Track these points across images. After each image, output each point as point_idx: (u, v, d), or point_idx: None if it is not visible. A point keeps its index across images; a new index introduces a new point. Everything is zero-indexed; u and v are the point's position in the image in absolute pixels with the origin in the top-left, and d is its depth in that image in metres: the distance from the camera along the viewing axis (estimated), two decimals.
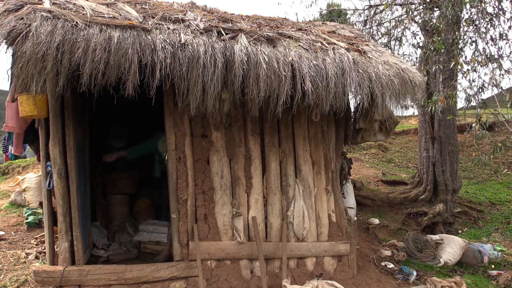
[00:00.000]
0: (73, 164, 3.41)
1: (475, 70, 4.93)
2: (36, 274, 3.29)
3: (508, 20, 5.44)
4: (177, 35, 3.14)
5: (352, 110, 4.47)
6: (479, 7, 4.93)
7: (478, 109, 4.80)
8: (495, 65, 4.96)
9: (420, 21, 6.59)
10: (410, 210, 6.51)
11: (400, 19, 6.85)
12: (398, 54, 6.81)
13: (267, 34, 3.57)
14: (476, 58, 4.94)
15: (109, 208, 4.93)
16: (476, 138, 4.94)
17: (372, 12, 7.51)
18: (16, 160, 8.29)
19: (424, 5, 6.22)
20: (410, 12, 5.85)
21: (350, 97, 3.81)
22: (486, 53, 5.10)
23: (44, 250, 4.01)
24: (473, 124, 4.75)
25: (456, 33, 5.27)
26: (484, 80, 5.02)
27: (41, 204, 5.21)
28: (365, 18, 7.52)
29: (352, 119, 4.56)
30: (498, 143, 4.53)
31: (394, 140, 11.41)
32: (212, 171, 3.74)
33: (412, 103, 4.49)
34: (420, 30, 6.83)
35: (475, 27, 5.44)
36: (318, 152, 4.14)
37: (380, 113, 3.73)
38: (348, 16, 9.46)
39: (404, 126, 12.83)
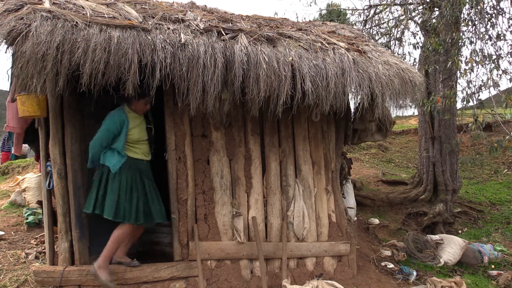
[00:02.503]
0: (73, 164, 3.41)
1: (472, 70, 4.94)
2: (36, 274, 3.29)
3: (507, 20, 5.45)
4: (177, 35, 3.15)
5: (352, 110, 4.48)
6: (478, 7, 4.94)
7: (475, 109, 4.81)
8: (493, 65, 4.97)
9: (419, 21, 6.60)
10: (410, 210, 6.51)
11: (399, 19, 6.86)
12: (398, 54, 6.82)
13: (267, 34, 3.57)
14: (474, 58, 4.95)
15: None
16: (474, 138, 4.95)
17: (371, 12, 7.51)
18: (16, 160, 8.28)
19: (424, 5, 6.22)
20: (409, 12, 5.85)
21: (350, 97, 3.81)
22: (484, 53, 5.11)
23: (44, 250, 4.01)
24: (470, 124, 4.76)
25: (455, 33, 5.27)
26: (482, 80, 5.03)
27: (39, 202, 5.22)
28: (365, 18, 7.53)
29: (352, 119, 4.57)
30: (494, 143, 4.54)
31: (394, 140, 11.41)
32: (212, 171, 3.74)
33: (411, 103, 4.49)
34: (419, 30, 6.85)
35: (474, 27, 5.45)
36: (318, 152, 4.14)
37: (376, 114, 3.72)
38: (348, 16, 9.47)
39: (404, 126, 12.84)
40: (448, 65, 5.20)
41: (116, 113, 3.31)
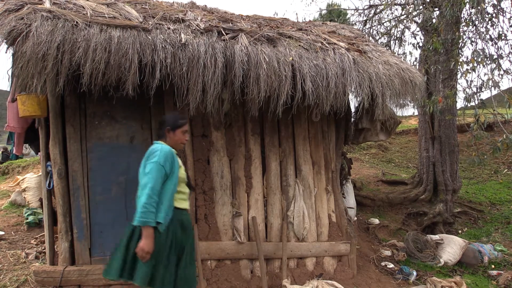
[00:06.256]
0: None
1: (474, 70, 4.94)
2: (36, 274, 3.29)
3: (508, 20, 5.45)
4: (177, 35, 3.14)
5: (353, 110, 4.48)
6: (479, 7, 4.93)
7: (477, 109, 4.81)
8: (494, 65, 4.97)
9: (420, 21, 6.60)
10: (410, 210, 6.51)
11: (400, 19, 6.86)
12: (398, 54, 6.82)
13: (268, 34, 3.57)
14: (475, 58, 4.95)
15: None
16: (475, 138, 4.94)
17: (372, 12, 7.52)
18: (16, 160, 8.29)
19: (424, 5, 6.22)
20: (411, 9, 5.84)
21: (350, 97, 3.81)
22: (485, 53, 5.11)
23: (44, 250, 4.01)
24: (472, 124, 4.76)
25: (456, 33, 5.27)
26: (483, 80, 5.03)
27: (41, 200, 5.22)
28: (365, 18, 7.53)
29: (353, 119, 4.57)
30: (497, 143, 4.53)
31: (394, 140, 11.42)
32: (212, 171, 3.74)
33: (412, 103, 4.49)
34: (420, 30, 6.85)
35: (474, 27, 5.45)
36: (318, 152, 4.14)
37: (384, 113, 3.72)
38: (348, 16, 9.48)
39: (404, 126, 12.84)
40: (451, 65, 5.19)
41: (164, 147, 2.58)
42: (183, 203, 2.70)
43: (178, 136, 2.69)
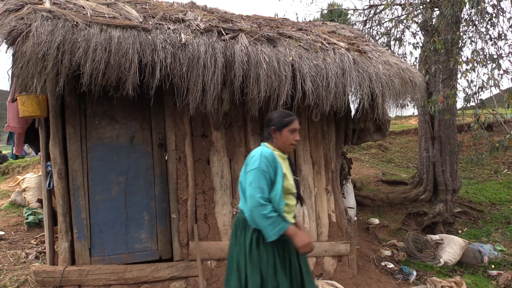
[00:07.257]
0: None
1: (474, 70, 4.94)
2: (36, 274, 3.29)
3: (508, 20, 5.45)
4: (178, 35, 3.15)
5: (353, 110, 4.48)
6: (479, 7, 4.94)
7: (477, 109, 4.81)
8: (494, 65, 4.97)
9: (420, 21, 6.61)
10: (410, 210, 6.52)
11: (400, 19, 6.87)
12: (398, 54, 6.82)
13: (268, 34, 3.57)
14: (475, 58, 4.95)
15: None
16: (474, 138, 4.95)
17: (372, 12, 7.52)
18: (16, 160, 8.29)
19: (424, 5, 6.23)
20: (411, 9, 5.85)
21: (350, 97, 3.81)
22: (485, 53, 5.11)
23: (44, 250, 4.01)
24: (472, 124, 4.76)
25: (456, 33, 5.27)
26: (483, 80, 5.03)
27: (39, 200, 5.23)
28: (365, 18, 7.54)
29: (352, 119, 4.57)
30: (496, 143, 4.54)
31: (394, 140, 11.42)
32: (212, 171, 3.74)
33: (411, 103, 4.49)
34: (420, 30, 6.85)
35: (474, 27, 5.45)
36: (318, 152, 4.14)
37: (371, 114, 3.72)
38: (348, 16, 9.48)
39: (404, 126, 12.84)
40: (451, 65, 5.20)
41: (264, 150, 2.28)
42: (287, 216, 2.30)
43: (285, 136, 2.33)
